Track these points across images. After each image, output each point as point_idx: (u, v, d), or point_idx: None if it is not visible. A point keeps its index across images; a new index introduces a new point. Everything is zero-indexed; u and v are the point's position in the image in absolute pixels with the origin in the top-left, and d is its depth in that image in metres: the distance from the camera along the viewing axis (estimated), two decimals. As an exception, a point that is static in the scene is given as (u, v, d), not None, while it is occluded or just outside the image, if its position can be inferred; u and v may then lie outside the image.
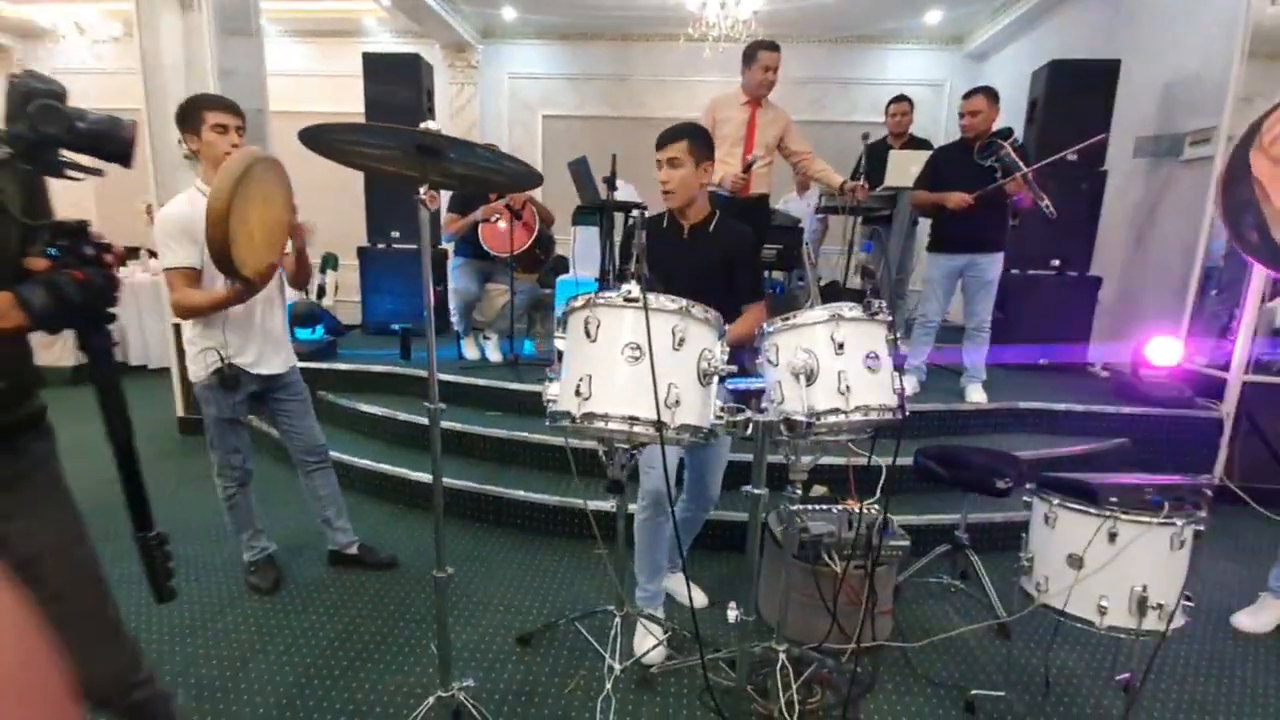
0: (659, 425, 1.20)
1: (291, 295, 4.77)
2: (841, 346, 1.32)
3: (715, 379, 1.31)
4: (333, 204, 6.95)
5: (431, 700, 1.64)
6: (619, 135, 6.72)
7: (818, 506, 2.45)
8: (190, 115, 2.17)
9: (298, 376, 2.56)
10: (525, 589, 2.61)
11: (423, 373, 4.04)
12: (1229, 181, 2.06)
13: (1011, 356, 4.65)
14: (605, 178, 3.76)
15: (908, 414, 1.36)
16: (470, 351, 4.39)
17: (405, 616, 2.40)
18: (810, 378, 1.31)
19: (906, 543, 2.23)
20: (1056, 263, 4.62)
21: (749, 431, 1.32)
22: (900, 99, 4.83)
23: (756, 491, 1.34)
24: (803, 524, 2.25)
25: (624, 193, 3.92)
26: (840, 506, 2.42)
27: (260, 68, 4.15)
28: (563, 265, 5.06)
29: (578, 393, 1.27)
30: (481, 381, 3.86)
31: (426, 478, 3.27)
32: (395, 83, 5.04)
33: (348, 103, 6.13)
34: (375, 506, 3.31)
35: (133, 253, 6.63)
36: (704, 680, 1.73)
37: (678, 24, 6.10)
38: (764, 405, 1.40)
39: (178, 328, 3.49)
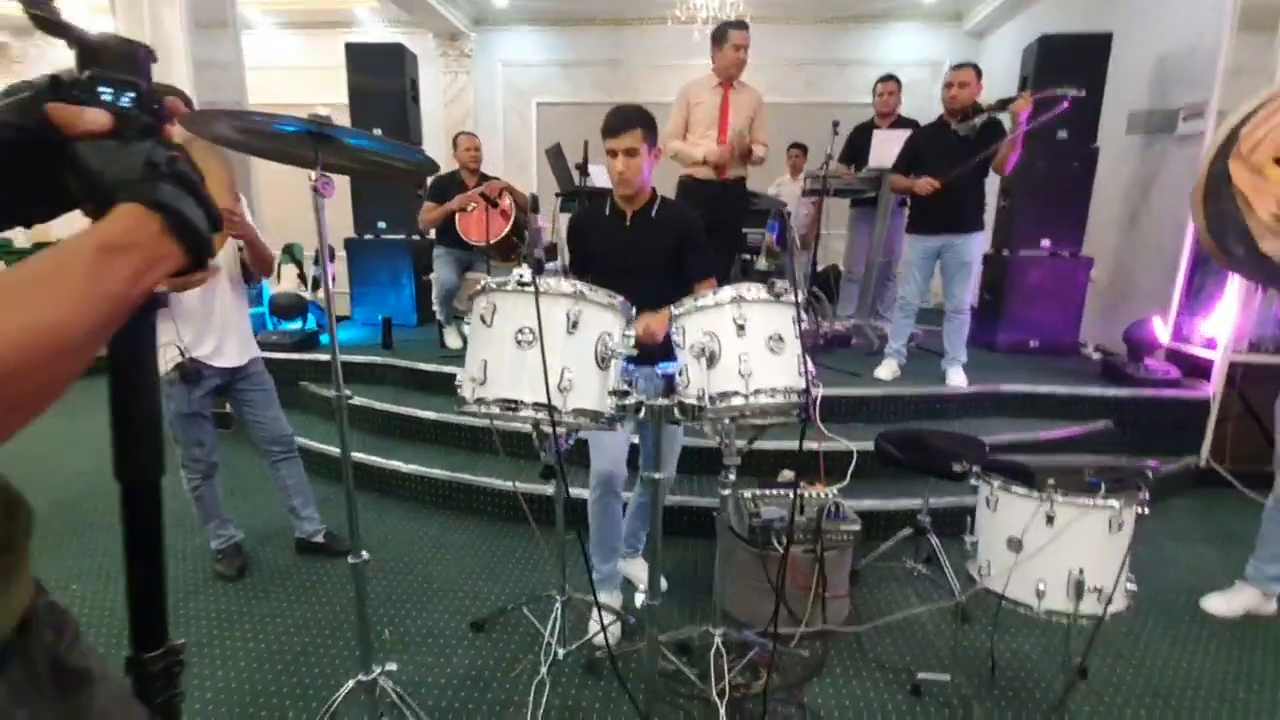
0: (550, 409, 1.20)
1: (275, 286, 4.82)
2: (743, 328, 1.30)
3: (614, 362, 1.30)
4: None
5: (351, 684, 1.67)
6: (611, 121, 6.66)
7: (777, 491, 2.44)
8: None
9: (261, 367, 2.58)
10: (488, 575, 2.63)
11: (404, 362, 4.12)
12: (1208, 194, 1.97)
13: (1001, 338, 4.58)
14: (577, 164, 3.75)
15: (816, 396, 1.33)
16: (452, 340, 4.41)
17: (367, 602, 2.42)
18: (712, 360, 1.30)
19: (856, 527, 2.21)
20: (1047, 243, 4.51)
21: (642, 415, 1.31)
22: (888, 78, 4.73)
23: (657, 476, 1.33)
24: (754, 509, 2.24)
25: (601, 178, 3.90)
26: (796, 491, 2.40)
27: (238, 59, 4.16)
28: (552, 252, 5.04)
29: (473, 378, 1.27)
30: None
31: (399, 465, 3.30)
32: (379, 73, 5.04)
33: (338, 94, 6.14)
34: (350, 494, 3.34)
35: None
36: (641, 664, 1.73)
37: (667, 5, 6.03)
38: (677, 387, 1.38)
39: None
